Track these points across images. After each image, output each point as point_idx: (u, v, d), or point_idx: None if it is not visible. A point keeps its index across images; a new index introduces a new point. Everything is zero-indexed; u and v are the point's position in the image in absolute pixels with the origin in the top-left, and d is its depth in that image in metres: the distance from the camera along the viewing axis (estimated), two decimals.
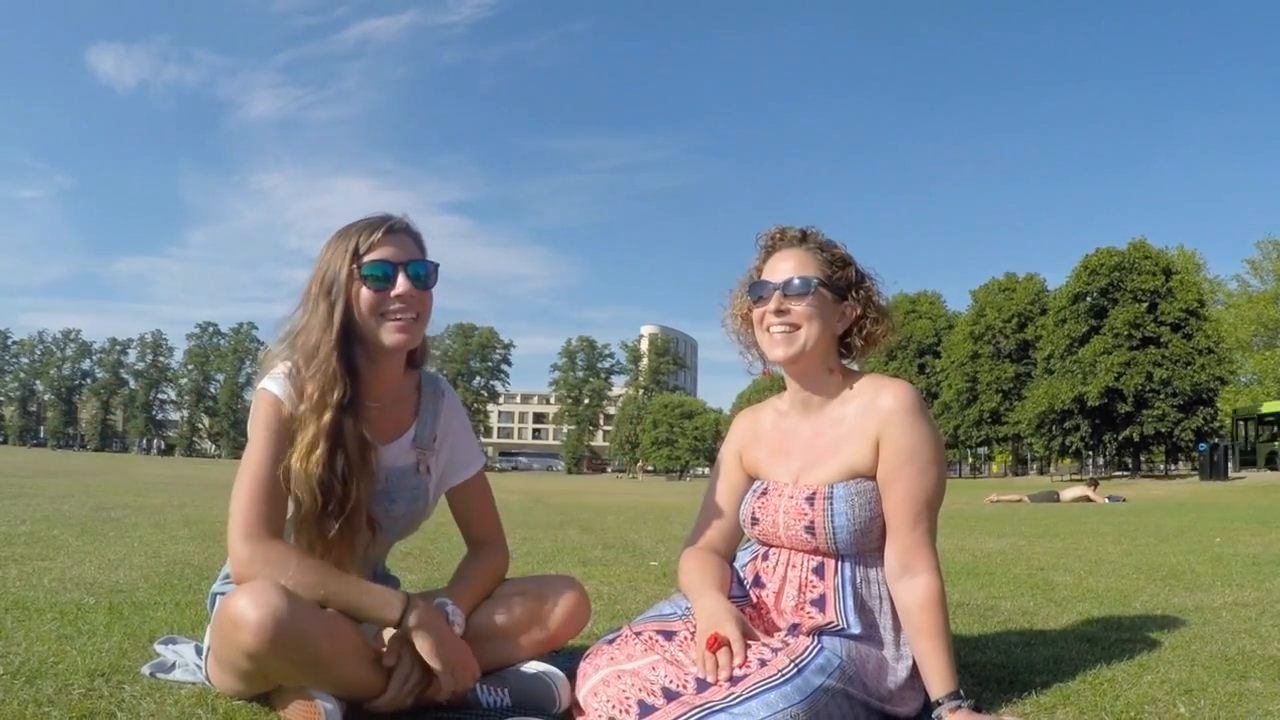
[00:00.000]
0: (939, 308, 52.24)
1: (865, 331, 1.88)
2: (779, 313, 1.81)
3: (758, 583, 1.85)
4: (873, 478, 1.77)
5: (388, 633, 1.60)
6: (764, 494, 1.87)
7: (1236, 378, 41.38)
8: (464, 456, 1.94)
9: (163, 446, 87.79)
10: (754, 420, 2.01)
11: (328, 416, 1.64)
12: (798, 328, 1.80)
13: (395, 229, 1.73)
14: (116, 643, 2.11)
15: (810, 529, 1.76)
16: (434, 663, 1.57)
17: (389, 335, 1.71)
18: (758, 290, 1.86)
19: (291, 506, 1.66)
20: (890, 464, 1.74)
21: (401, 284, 1.69)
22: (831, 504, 1.74)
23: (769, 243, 1.93)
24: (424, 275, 1.73)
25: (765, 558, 1.86)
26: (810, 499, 1.77)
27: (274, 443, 1.65)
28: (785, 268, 1.84)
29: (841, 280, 1.85)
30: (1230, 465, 26.56)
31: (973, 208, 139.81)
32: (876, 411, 1.76)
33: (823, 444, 1.83)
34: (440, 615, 1.64)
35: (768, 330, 1.84)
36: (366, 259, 1.68)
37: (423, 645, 1.57)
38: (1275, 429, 31.86)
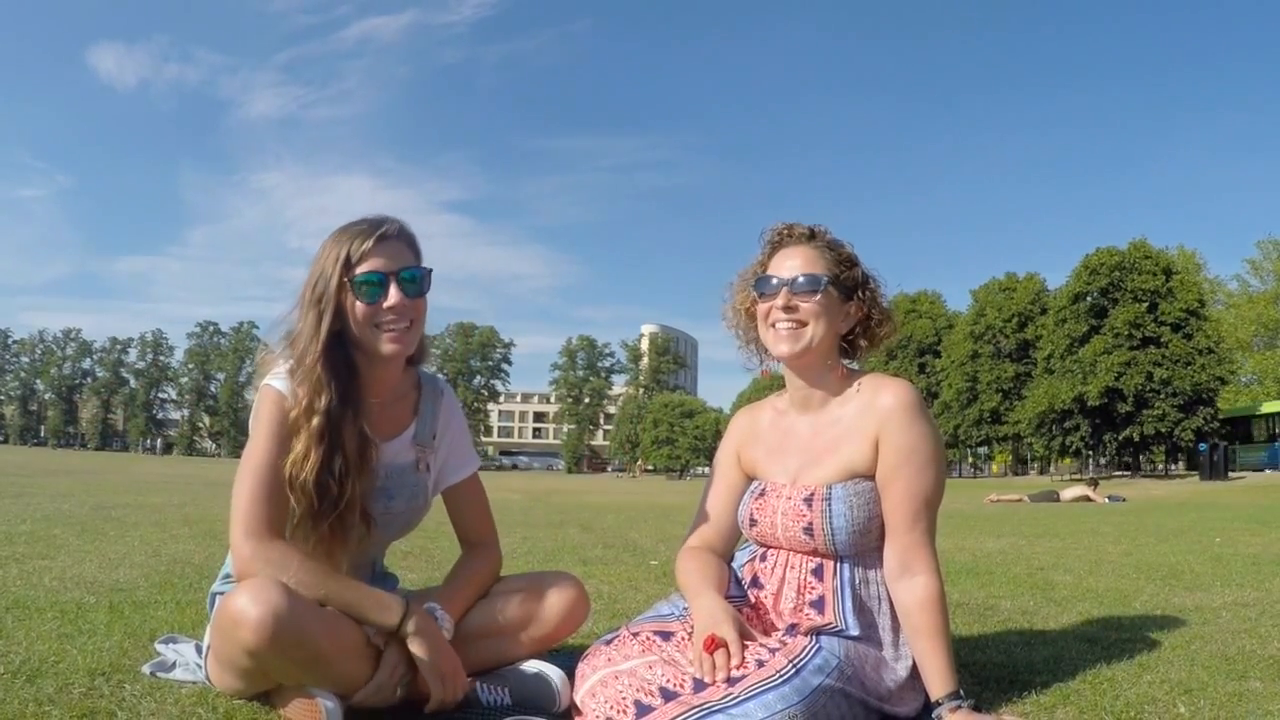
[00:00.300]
0: (939, 307, 52.20)
1: (869, 332, 1.87)
2: (787, 309, 1.80)
3: (756, 584, 1.85)
4: (871, 477, 1.76)
5: None
6: (762, 495, 1.86)
7: (1236, 378, 41.40)
8: (460, 457, 1.94)
9: (163, 446, 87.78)
10: (752, 419, 2.00)
11: (316, 421, 1.65)
12: (805, 324, 1.79)
13: (386, 236, 1.71)
14: (117, 642, 2.11)
15: (809, 530, 1.75)
16: (428, 672, 1.58)
17: (384, 345, 1.71)
18: (763, 285, 1.84)
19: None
20: (889, 463, 1.73)
21: (393, 295, 1.69)
22: (830, 505, 1.74)
23: (775, 238, 1.91)
24: (416, 282, 1.72)
25: (763, 559, 1.86)
26: (808, 500, 1.76)
27: (277, 439, 1.66)
28: (793, 264, 1.82)
29: (849, 280, 1.84)
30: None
31: (973, 208, 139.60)
32: (876, 410, 1.76)
33: (821, 443, 1.83)
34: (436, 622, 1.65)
35: (773, 326, 1.83)
36: (358, 269, 1.68)
37: (419, 652, 1.57)
38: (1224, 431, 33.09)
